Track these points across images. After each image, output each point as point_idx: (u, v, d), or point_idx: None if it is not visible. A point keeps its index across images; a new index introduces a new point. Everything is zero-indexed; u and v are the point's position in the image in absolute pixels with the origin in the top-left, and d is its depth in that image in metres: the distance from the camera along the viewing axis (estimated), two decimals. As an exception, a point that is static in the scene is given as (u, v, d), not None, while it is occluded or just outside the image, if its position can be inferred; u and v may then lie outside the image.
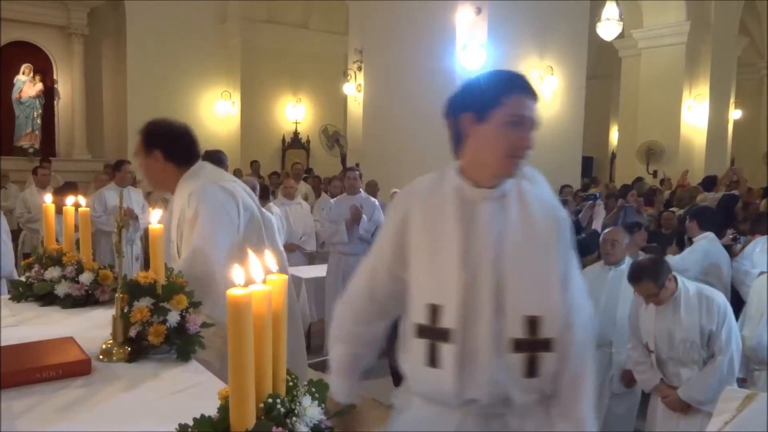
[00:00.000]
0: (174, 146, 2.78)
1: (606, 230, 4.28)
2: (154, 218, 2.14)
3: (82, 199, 2.75)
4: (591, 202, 5.71)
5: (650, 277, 3.24)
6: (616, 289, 4.01)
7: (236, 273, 1.17)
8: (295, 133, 13.99)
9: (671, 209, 7.57)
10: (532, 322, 1.64)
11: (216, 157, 4.53)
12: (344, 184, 6.26)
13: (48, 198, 2.98)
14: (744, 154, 15.35)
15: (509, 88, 1.74)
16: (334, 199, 6.33)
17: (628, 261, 4.05)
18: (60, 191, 5.93)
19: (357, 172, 5.98)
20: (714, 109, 12.53)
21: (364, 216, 5.59)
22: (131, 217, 6.41)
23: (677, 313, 3.27)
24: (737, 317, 3.55)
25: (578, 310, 1.73)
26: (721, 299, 3.30)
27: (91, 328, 2.29)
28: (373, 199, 6.01)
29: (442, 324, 1.67)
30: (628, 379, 3.88)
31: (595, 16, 9.61)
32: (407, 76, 7.94)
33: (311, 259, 6.85)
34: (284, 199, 6.71)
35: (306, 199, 8.84)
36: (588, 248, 4.68)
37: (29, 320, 2.45)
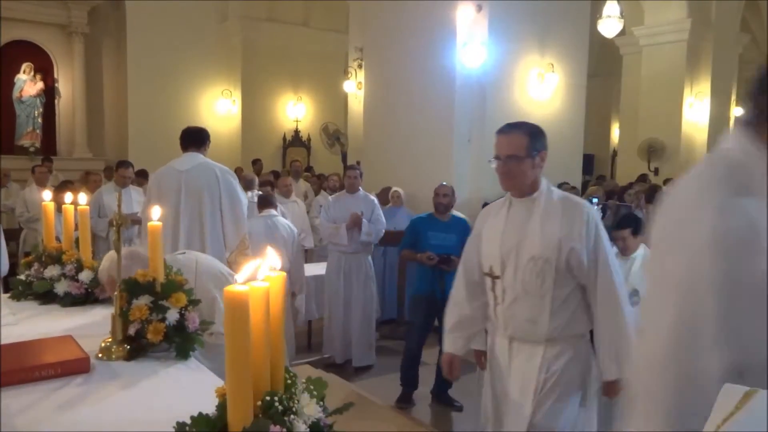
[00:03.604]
0: None
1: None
2: (154, 216, 2.14)
3: (82, 197, 2.75)
4: None
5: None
6: None
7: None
8: (296, 132, 13.99)
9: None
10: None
11: (197, 137, 4.47)
12: (344, 183, 6.25)
13: (47, 195, 2.98)
14: (745, 151, 15.32)
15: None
16: (332, 197, 6.32)
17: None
18: (59, 189, 5.90)
19: (357, 171, 5.95)
20: (715, 107, 12.50)
21: (365, 220, 5.58)
22: (137, 223, 6.37)
23: None
24: None
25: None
26: None
27: (90, 326, 2.29)
28: (372, 197, 5.98)
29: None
30: None
31: (596, 14, 9.59)
32: (408, 74, 7.93)
33: (308, 256, 6.84)
34: (281, 198, 6.71)
35: (306, 197, 8.84)
36: None
37: (29, 318, 2.45)
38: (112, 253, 2.33)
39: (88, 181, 7.90)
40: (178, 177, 4.14)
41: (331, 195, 7.14)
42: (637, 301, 4.01)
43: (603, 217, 6.25)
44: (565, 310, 2.42)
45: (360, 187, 5.90)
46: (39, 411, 1.62)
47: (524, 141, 2.39)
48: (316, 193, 9.19)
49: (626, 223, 4.20)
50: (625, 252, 4.12)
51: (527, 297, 2.41)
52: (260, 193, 6.54)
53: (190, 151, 4.30)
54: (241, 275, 1.16)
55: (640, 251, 4.08)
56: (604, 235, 2.44)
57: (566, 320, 2.42)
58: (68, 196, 2.84)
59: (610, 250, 2.47)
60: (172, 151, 9.67)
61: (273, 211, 5.29)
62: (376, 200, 5.96)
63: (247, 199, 4.58)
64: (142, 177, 8.12)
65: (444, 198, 4.98)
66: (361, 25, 9.73)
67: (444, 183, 5.14)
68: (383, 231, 5.76)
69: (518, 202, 2.50)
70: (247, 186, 6.38)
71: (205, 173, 4.19)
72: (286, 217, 5.69)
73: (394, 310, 6.77)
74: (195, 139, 4.38)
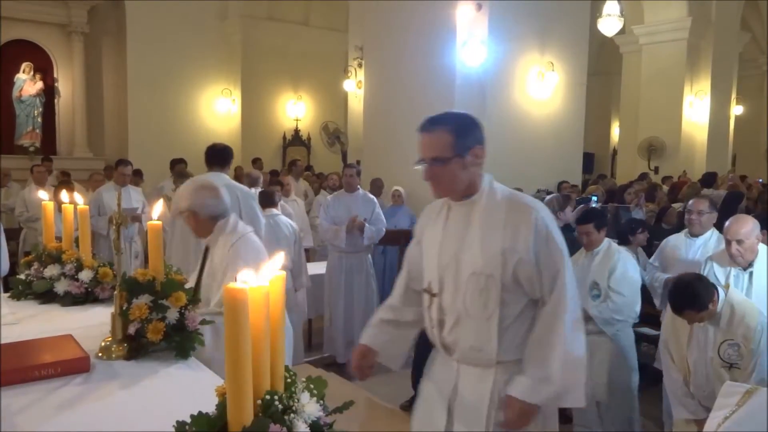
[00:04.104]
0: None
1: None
2: (155, 214, 2.14)
3: (79, 197, 2.74)
4: (584, 204, 5.75)
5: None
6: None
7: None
8: (296, 131, 13.99)
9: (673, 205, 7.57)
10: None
11: (221, 156, 4.52)
12: (342, 182, 6.24)
13: (43, 195, 2.98)
14: (745, 150, 15.34)
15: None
16: (331, 196, 6.31)
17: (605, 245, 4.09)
18: (58, 188, 5.91)
19: (354, 169, 5.94)
20: (715, 105, 12.50)
21: (367, 225, 5.57)
22: (137, 220, 6.39)
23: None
24: None
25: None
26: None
27: (90, 325, 2.29)
28: (371, 196, 5.98)
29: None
30: None
31: (596, 12, 9.59)
32: (408, 72, 7.93)
33: (309, 256, 6.84)
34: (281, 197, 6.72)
35: (306, 196, 8.84)
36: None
37: (29, 318, 2.45)
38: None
39: (93, 181, 8.00)
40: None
41: (330, 194, 7.14)
42: (597, 294, 4.05)
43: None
44: (516, 330, 2.07)
45: (359, 186, 5.89)
46: (39, 410, 1.62)
47: (449, 139, 2.01)
48: (316, 193, 9.19)
49: (589, 217, 4.16)
50: (589, 246, 4.11)
51: (470, 320, 2.06)
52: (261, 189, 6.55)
53: (214, 170, 4.42)
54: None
55: (604, 246, 4.07)
56: (558, 240, 2.07)
57: (520, 340, 2.07)
58: (64, 195, 2.84)
59: (567, 259, 2.09)
60: (171, 150, 9.76)
61: (274, 210, 5.29)
62: (375, 199, 5.95)
63: (263, 216, 4.66)
64: (137, 176, 8.20)
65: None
66: (361, 24, 9.72)
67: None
68: (384, 230, 5.76)
69: (457, 205, 2.13)
70: (252, 183, 6.41)
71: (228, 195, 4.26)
72: (291, 217, 5.68)
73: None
74: (220, 158, 4.48)
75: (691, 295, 3.00)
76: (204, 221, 2.83)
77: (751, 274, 3.49)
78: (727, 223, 3.57)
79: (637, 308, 4.06)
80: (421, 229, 2.28)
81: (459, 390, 2.12)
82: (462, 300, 2.06)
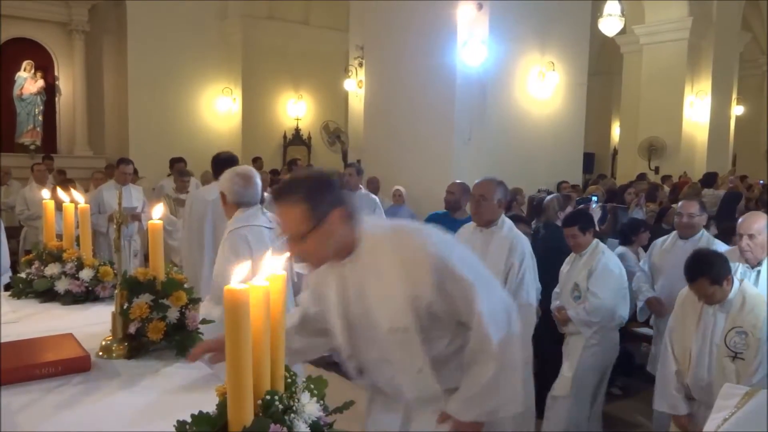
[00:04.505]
0: None
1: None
2: (156, 214, 2.14)
3: (80, 197, 2.74)
4: (583, 205, 5.74)
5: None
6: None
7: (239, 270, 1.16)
8: (297, 130, 13.99)
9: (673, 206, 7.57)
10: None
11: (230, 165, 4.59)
12: (342, 182, 6.24)
13: (45, 194, 2.98)
14: (746, 150, 15.34)
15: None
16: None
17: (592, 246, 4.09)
18: (58, 185, 5.92)
19: (353, 168, 5.94)
20: (716, 106, 12.50)
21: None
22: (136, 219, 6.40)
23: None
24: None
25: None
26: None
27: (91, 324, 2.29)
28: (373, 196, 5.99)
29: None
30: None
31: (596, 12, 9.59)
32: (408, 72, 7.93)
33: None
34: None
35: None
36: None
37: (29, 316, 2.45)
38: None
39: (94, 180, 8.05)
40: (205, 205, 4.33)
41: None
42: (578, 295, 4.05)
43: (604, 221, 6.27)
44: (453, 357, 1.96)
45: (361, 186, 5.89)
46: (39, 409, 1.62)
47: (301, 210, 1.76)
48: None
49: (573, 221, 4.15)
50: (576, 249, 4.12)
51: (404, 375, 1.96)
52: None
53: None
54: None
55: (591, 247, 4.07)
56: (458, 264, 1.87)
57: (457, 364, 1.95)
58: (62, 194, 2.84)
59: (476, 276, 1.91)
60: (172, 149, 9.77)
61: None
62: (377, 199, 5.96)
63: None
64: (135, 175, 8.22)
65: (448, 195, 4.99)
66: (362, 24, 9.72)
67: (457, 181, 5.12)
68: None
69: (340, 267, 1.91)
70: None
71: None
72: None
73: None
74: (225, 167, 4.53)
75: (709, 264, 3.03)
76: (230, 206, 3.03)
77: (759, 272, 3.46)
78: (740, 219, 3.57)
79: (622, 312, 4.01)
80: (315, 284, 2.07)
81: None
82: (386, 360, 1.95)
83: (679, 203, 4.64)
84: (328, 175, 1.86)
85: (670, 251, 4.37)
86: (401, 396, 2.01)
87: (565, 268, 4.23)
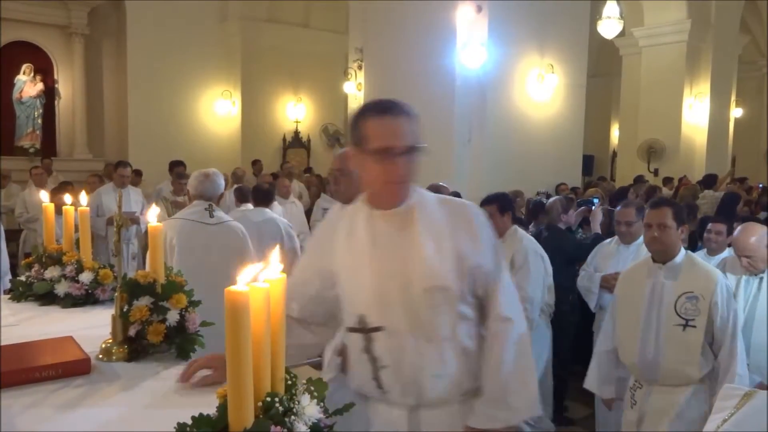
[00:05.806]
0: None
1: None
2: (151, 217, 2.14)
3: (83, 198, 2.74)
4: (584, 207, 5.73)
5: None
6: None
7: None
8: (296, 132, 13.99)
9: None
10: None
11: (267, 197, 5.28)
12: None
13: (44, 196, 2.97)
14: (745, 152, 15.35)
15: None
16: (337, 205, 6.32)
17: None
18: (57, 190, 5.93)
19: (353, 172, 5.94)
20: (715, 108, 12.51)
21: None
22: (135, 222, 6.41)
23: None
24: None
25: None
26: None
27: (91, 327, 2.29)
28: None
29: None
30: None
31: (595, 14, 9.61)
32: (407, 74, 7.94)
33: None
34: (279, 198, 6.73)
35: (300, 197, 8.84)
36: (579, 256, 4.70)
37: (29, 320, 2.45)
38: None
39: (89, 184, 7.93)
40: (251, 226, 4.57)
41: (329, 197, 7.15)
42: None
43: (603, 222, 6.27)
44: (472, 352, 1.84)
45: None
46: (39, 412, 1.62)
47: (419, 124, 1.84)
48: (315, 195, 9.18)
49: (492, 199, 4.11)
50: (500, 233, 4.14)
51: (429, 344, 1.78)
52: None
53: (260, 206, 5.15)
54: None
55: (509, 232, 4.09)
56: (497, 243, 1.90)
57: (475, 364, 1.83)
58: (67, 198, 2.84)
59: (504, 263, 1.93)
60: (172, 152, 9.77)
61: (250, 205, 5.32)
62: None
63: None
64: (137, 176, 8.21)
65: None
66: (361, 26, 9.73)
67: (440, 183, 5.09)
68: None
69: (384, 215, 1.79)
70: (238, 181, 6.54)
71: (273, 226, 4.99)
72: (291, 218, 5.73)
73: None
74: (264, 197, 5.25)
75: (674, 202, 3.26)
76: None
77: (761, 279, 3.39)
78: (735, 233, 3.50)
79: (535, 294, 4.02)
80: (317, 254, 1.94)
81: None
82: (414, 325, 1.77)
83: (617, 209, 4.54)
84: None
85: (612, 257, 4.32)
86: (414, 386, 1.82)
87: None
